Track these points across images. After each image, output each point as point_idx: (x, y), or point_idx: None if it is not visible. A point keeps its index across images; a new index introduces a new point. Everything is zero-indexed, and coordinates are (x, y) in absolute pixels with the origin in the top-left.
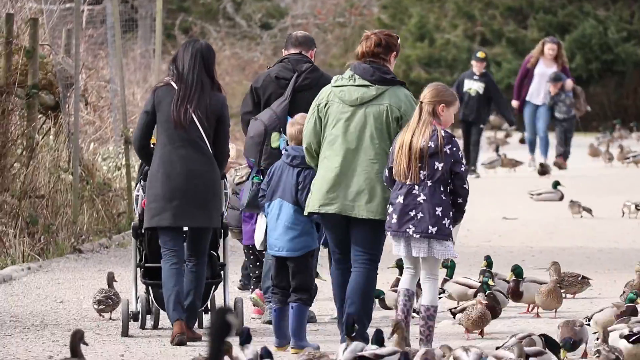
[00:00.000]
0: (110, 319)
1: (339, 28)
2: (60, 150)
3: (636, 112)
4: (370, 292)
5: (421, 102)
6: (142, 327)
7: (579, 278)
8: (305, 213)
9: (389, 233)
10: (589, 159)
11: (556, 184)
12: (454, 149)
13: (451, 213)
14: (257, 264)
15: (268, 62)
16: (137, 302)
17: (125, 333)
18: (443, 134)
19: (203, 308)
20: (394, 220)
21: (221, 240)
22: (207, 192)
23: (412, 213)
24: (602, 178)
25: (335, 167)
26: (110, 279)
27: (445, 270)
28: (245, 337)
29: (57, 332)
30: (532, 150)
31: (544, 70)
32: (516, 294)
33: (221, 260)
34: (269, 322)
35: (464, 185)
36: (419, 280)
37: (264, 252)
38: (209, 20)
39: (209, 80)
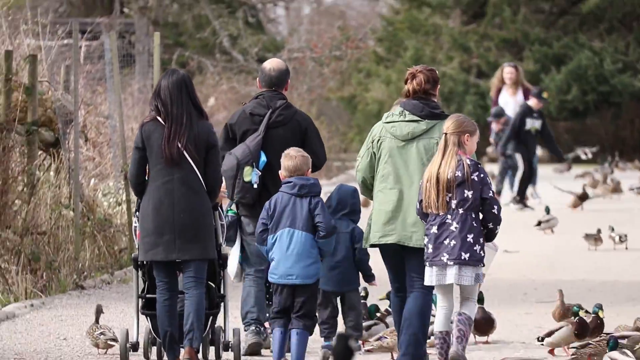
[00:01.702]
0: (105, 353)
1: (335, 61)
2: (61, 187)
3: (633, 143)
4: (427, 314)
5: (445, 134)
6: (146, 357)
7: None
8: (365, 246)
9: (426, 263)
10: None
11: (548, 209)
12: (482, 175)
13: (482, 239)
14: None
15: (243, 100)
16: (137, 333)
17: None
18: (468, 162)
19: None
20: (430, 250)
21: (222, 271)
22: (198, 225)
23: (446, 242)
24: (604, 212)
25: (391, 200)
26: (98, 312)
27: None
28: None
29: None
30: (511, 183)
31: (506, 99)
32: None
33: (221, 291)
34: (252, 348)
35: (493, 210)
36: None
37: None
38: (206, 54)
39: (195, 112)
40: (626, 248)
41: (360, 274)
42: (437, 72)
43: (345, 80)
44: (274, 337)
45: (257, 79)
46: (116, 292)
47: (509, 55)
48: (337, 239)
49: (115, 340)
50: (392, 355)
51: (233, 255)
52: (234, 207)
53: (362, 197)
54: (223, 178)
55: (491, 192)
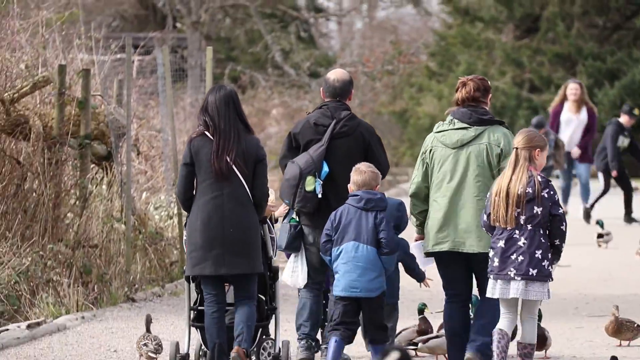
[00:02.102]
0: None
1: (387, 76)
2: (113, 200)
3: None
4: (497, 306)
5: (516, 149)
6: None
7: (635, 325)
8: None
9: (490, 276)
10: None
11: (602, 223)
12: (551, 192)
13: (549, 255)
14: None
15: (307, 109)
16: (188, 345)
17: None
18: (540, 179)
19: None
20: (496, 264)
21: (272, 284)
22: (246, 239)
23: (513, 257)
24: None
25: (442, 207)
26: (148, 322)
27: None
28: None
29: None
30: (565, 199)
31: (568, 116)
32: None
33: (272, 304)
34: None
35: (562, 227)
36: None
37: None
38: (258, 69)
39: (242, 126)
40: None
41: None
42: (488, 81)
43: (397, 94)
44: (329, 345)
45: (321, 89)
46: (167, 305)
47: (562, 70)
48: None
49: (155, 352)
50: (436, 358)
51: (290, 264)
52: (295, 216)
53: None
54: (270, 195)
55: (560, 209)
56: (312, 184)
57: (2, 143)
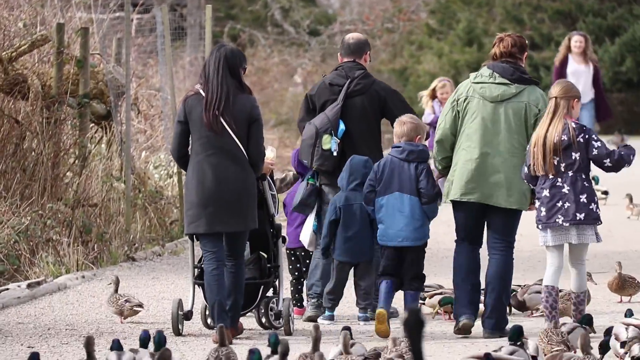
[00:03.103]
0: (122, 322)
1: (387, 34)
2: (113, 159)
3: None
4: (509, 276)
5: (555, 98)
6: (205, 324)
7: (637, 281)
8: (445, 201)
9: (539, 226)
10: None
11: (597, 179)
12: (586, 136)
13: (596, 198)
14: (298, 265)
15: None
16: (193, 302)
17: (176, 332)
18: (574, 126)
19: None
20: (543, 213)
21: (277, 242)
22: (240, 198)
23: (559, 204)
24: None
25: (475, 158)
26: (116, 284)
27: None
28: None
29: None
30: None
31: (575, 67)
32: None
33: (275, 262)
34: (310, 319)
35: (605, 163)
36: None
37: (310, 252)
38: (257, 27)
39: (234, 84)
40: None
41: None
42: (525, 38)
43: (397, 52)
44: (380, 288)
45: (339, 53)
46: (167, 264)
47: (562, 27)
48: (352, 209)
49: (141, 305)
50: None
51: (308, 223)
52: (312, 176)
53: None
54: (269, 154)
55: (595, 150)
56: (328, 143)
57: (1, 102)
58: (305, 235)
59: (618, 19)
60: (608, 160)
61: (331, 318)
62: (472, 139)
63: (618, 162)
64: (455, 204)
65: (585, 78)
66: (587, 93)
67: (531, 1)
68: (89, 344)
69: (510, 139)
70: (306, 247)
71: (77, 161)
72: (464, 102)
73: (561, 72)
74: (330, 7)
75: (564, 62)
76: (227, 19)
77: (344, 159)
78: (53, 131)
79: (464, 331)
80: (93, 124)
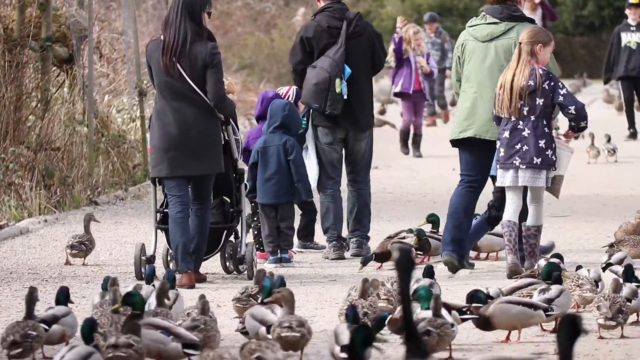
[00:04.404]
0: (84, 264)
1: None
2: (75, 103)
3: None
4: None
5: (520, 44)
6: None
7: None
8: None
9: (498, 166)
10: (604, 105)
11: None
12: (552, 83)
13: (553, 144)
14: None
15: (271, 11)
16: (155, 247)
17: (138, 276)
18: (540, 72)
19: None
20: (502, 154)
21: (239, 186)
22: (202, 141)
23: (518, 146)
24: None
25: (470, 97)
26: (87, 221)
27: (430, 224)
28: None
29: (76, 284)
30: None
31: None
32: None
33: (238, 206)
34: (279, 261)
35: (569, 111)
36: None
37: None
38: None
39: (194, 29)
40: (615, 161)
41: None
42: None
43: None
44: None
45: None
46: (130, 208)
47: None
48: (269, 152)
49: (78, 255)
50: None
51: (311, 166)
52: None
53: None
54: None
55: (561, 97)
56: (339, 86)
57: None
58: (313, 178)
59: None
60: (573, 107)
61: (277, 261)
62: (469, 80)
63: (580, 111)
64: (460, 145)
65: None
66: None
67: None
68: (30, 299)
69: (501, 75)
70: (314, 187)
71: (39, 105)
72: (462, 47)
73: None
74: None
75: None
76: None
77: (347, 101)
78: (15, 74)
79: (448, 268)
80: (55, 68)
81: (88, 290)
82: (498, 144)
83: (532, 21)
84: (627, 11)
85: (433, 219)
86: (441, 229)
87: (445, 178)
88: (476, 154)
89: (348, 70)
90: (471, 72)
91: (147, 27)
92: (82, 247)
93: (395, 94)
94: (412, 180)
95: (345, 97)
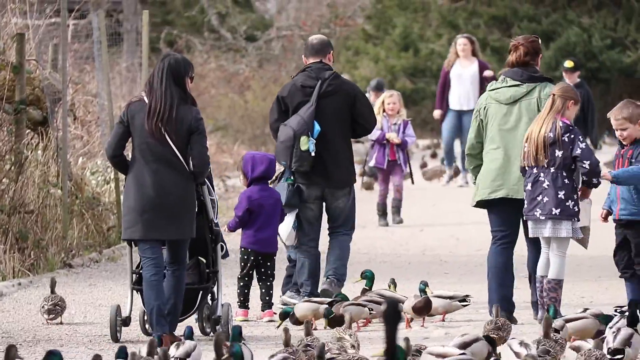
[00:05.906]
0: (61, 323)
1: None
2: (49, 165)
3: None
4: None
5: (553, 95)
6: (143, 331)
7: None
8: (473, 203)
9: (524, 217)
10: None
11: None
12: (572, 136)
13: (575, 195)
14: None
15: (245, 73)
16: (130, 308)
17: (114, 338)
18: (560, 124)
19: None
20: (525, 205)
21: (215, 247)
22: (180, 205)
23: (539, 198)
24: None
25: (497, 158)
26: (53, 284)
27: (364, 280)
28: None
29: (50, 347)
30: (449, 162)
31: (460, 71)
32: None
33: (214, 267)
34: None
35: (584, 165)
36: None
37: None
38: (194, 33)
39: (179, 94)
40: None
41: None
42: (538, 41)
43: (334, 58)
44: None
45: (303, 55)
46: (104, 271)
47: (497, 32)
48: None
49: (49, 313)
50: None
51: (288, 220)
52: (291, 176)
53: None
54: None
55: (579, 150)
56: (306, 143)
57: None
58: (284, 231)
59: (552, 24)
60: (588, 162)
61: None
62: (494, 141)
63: (594, 167)
64: (489, 205)
65: (470, 79)
66: (470, 99)
67: (467, 6)
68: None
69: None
70: (283, 241)
71: (13, 167)
72: (484, 110)
73: (445, 76)
74: (267, 13)
75: (449, 67)
76: (163, 24)
77: (319, 157)
78: None
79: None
80: (29, 130)
81: (63, 353)
82: (524, 195)
83: (551, 80)
84: (563, 74)
85: (367, 274)
86: (375, 286)
87: (419, 239)
88: (507, 212)
89: (317, 127)
90: (495, 134)
91: (120, 89)
92: (58, 308)
93: (370, 168)
94: (387, 241)
95: (312, 154)
